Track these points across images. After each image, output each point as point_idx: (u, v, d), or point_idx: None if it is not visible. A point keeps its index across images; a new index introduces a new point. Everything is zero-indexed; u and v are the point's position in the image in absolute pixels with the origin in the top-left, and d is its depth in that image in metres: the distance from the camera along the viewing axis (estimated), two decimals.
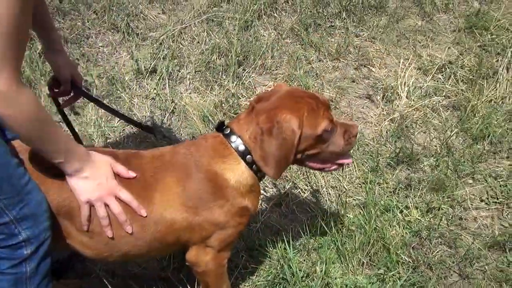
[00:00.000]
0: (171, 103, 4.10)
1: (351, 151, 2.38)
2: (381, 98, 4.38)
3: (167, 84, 4.25)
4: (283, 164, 2.08)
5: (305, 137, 2.06)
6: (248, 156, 2.08)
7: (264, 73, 4.58)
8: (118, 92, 4.16)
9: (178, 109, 4.06)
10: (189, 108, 4.04)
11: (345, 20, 5.28)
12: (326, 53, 4.83)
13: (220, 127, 2.19)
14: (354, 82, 4.61)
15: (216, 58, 4.60)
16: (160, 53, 4.55)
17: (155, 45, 4.68)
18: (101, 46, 4.65)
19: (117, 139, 3.71)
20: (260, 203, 3.10)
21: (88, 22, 4.80)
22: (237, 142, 2.10)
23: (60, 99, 2.65)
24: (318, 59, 4.80)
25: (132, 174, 2.01)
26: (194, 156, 2.10)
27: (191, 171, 2.07)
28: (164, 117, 3.98)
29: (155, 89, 4.22)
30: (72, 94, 2.55)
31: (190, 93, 4.26)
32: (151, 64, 4.37)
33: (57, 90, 2.51)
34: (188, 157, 2.10)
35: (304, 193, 3.46)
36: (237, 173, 2.10)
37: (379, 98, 4.39)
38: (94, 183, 1.88)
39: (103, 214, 1.95)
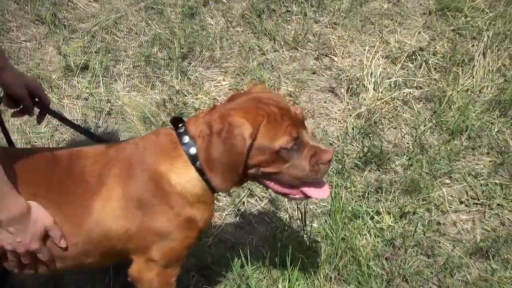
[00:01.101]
0: (107, 103, 4.06)
1: (326, 182, 2.27)
2: (346, 91, 4.39)
3: (101, 82, 4.21)
4: (230, 174, 2.06)
5: (259, 149, 2.04)
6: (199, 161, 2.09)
7: (212, 66, 4.54)
8: (45, 92, 4.04)
9: (115, 110, 4.03)
10: (128, 109, 4.00)
11: (302, 5, 5.26)
12: (282, 42, 4.81)
13: (177, 122, 2.18)
14: (314, 73, 4.60)
15: (157, 51, 4.56)
16: (92, 46, 4.51)
17: (86, 38, 4.62)
18: (24, 41, 4.57)
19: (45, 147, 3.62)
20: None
21: (8, 13, 4.72)
22: (188, 143, 2.10)
23: None
24: (274, 49, 4.78)
25: (63, 244, 2.05)
26: (141, 152, 2.13)
27: (135, 170, 2.09)
28: (99, 119, 3.93)
29: (87, 88, 4.17)
30: (37, 112, 2.56)
31: (128, 92, 4.21)
32: (82, 60, 4.33)
33: (16, 110, 2.49)
34: (134, 153, 2.13)
35: (262, 201, 3.43)
36: (184, 178, 2.10)
37: (343, 91, 4.40)
38: (15, 239, 1.94)
39: (10, 259, 2.06)
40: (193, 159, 2.09)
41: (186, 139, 2.10)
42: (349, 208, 3.34)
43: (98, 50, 4.47)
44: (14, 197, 1.90)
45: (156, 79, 4.30)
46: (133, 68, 4.40)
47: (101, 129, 3.87)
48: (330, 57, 4.76)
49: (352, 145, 3.92)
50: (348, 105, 4.28)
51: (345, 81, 4.49)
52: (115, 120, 3.95)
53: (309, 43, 4.87)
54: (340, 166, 3.64)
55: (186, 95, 4.17)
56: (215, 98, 4.16)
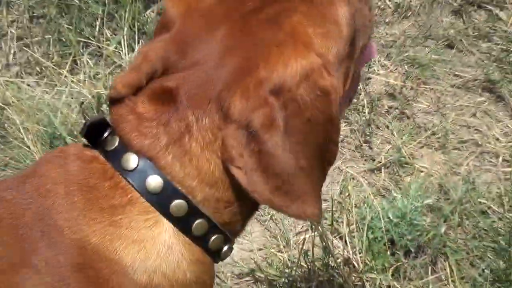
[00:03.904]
0: None
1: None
2: None
3: None
4: (321, 174, 1.50)
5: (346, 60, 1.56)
6: (178, 203, 1.41)
7: None
8: None
9: None
10: (15, 116, 3.39)
11: None
12: None
13: (97, 131, 1.55)
14: None
15: None
16: None
17: None
18: None
19: None
20: None
21: None
22: (142, 168, 1.43)
23: None
24: None
25: None
26: (37, 208, 1.47)
27: (30, 247, 1.44)
28: None
29: None
30: None
31: (11, 78, 3.62)
32: None
33: None
34: (19, 211, 1.47)
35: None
36: (156, 249, 1.44)
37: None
38: None
39: None
40: (162, 200, 1.42)
41: (133, 160, 1.45)
42: None
43: None
44: None
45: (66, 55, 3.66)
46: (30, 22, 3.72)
47: None
48: None
49: None
50: None
51: None
52: None
53: None
54: None
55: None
56: None
